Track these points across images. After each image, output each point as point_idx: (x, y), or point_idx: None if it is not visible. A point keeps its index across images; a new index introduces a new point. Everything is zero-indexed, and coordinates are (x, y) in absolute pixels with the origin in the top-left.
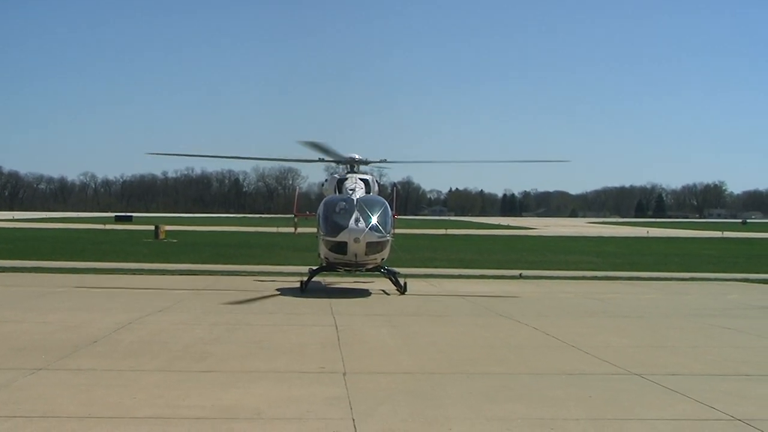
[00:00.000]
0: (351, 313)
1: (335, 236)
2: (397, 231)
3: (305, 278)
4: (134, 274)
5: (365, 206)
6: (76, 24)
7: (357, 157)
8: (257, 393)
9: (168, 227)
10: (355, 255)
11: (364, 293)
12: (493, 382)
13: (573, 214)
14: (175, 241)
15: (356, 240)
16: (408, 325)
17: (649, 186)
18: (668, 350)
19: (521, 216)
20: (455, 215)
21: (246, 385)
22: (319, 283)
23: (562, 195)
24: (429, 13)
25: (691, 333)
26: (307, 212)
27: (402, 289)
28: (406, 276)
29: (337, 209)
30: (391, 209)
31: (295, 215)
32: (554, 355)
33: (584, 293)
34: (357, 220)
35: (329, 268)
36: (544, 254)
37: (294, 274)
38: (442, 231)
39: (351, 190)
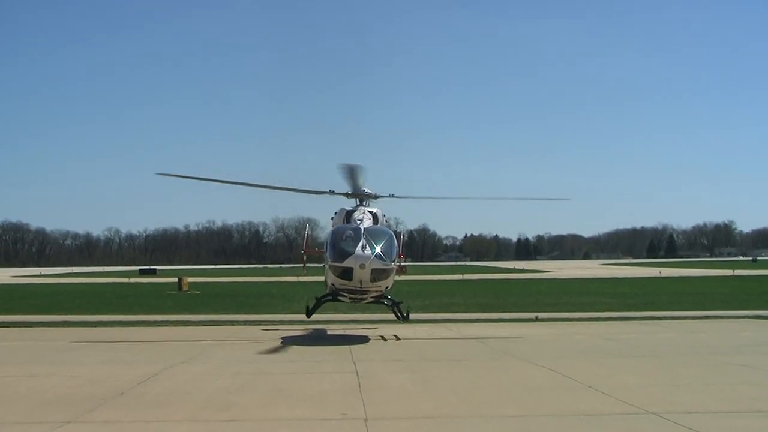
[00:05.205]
0: (370, 359)
1: (341, 262)
2: (415, 277)
3: (311, 305)
4: (159, 326)
5: (371, 235)
6: (100, 81)
7: (366, 191)
8: None
9: (191, 279)
10: (360, 281)
11: (386, 339)
12: (511, 425)
13: (586, 257)
14: (198, 292)
15: (362, 266)
16: (427, 370)
17: (660, 227)
18: (684, 388)
19: (535, 259)
20: (471, 260)
21: None
22: (324, 330)
23: (575, 238)
24: (441, 54)
25: (705, 371)
26: (316, 249)
27: (404, 318)
28: (424, 321)
29: (344, 237)
30: (399, 246)
31: (304, 251)
32: (571, 397)
33: (600, 334)
34: (363, 247)
35: (334, 296)
36: (559, 296)
37: (314, 322)
38: (458, 276)
39: (359, 220)
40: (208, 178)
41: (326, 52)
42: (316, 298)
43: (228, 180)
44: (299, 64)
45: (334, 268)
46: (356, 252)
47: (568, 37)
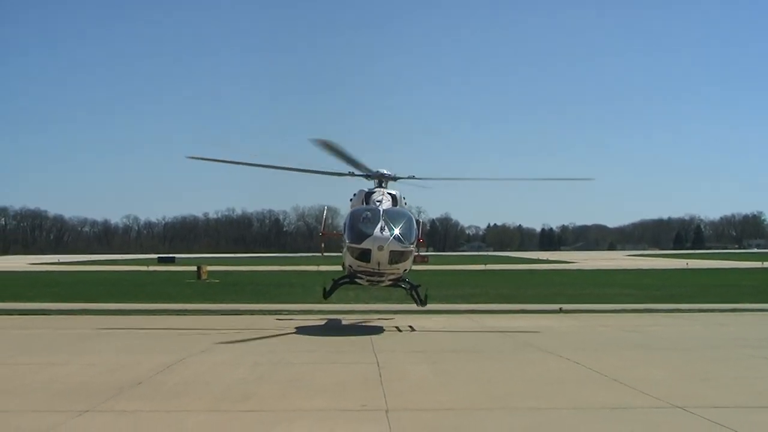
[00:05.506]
0: (391, 350)
1: (360, 243)
2: (437, 267)
3: (328, 287)
4: (178, 314)
5: (390, 217)
6: (114, 70)
7: (385, 172)
8: None
9: (210, 268)
10: (378, 263)
11: (401, 330)
12: (534, 418)
13: (611, 248)
14: (217, 281)
15: (380, 248)
16: (448, 362)
17: (687, 218)
18: (710, 382)
19: (559, 250)
20: (494, 250)
21: (290, 425)
22: (339, 321)
23: (599, 228)
24: (454, 44)
25: (732, 364)
26: (335, 231)
27: (422, 303)
28: (446, 312)
29: (363, 218)
30: (418, 230)
31: (322, 233)
32: (595, 389)
33: (624, 326)
34: (382, 229)
35: (352, 278)
36: (583, 288)
37: (331, 312)
38: (481, 267)
39: (378, 201)
40: (235, 161)
41: (326, 52)
42: (333, 280)
43: (250, 162)
44: (298, 64)
45: (352, 250)
46: (375, 233)
47: (570, 34)
